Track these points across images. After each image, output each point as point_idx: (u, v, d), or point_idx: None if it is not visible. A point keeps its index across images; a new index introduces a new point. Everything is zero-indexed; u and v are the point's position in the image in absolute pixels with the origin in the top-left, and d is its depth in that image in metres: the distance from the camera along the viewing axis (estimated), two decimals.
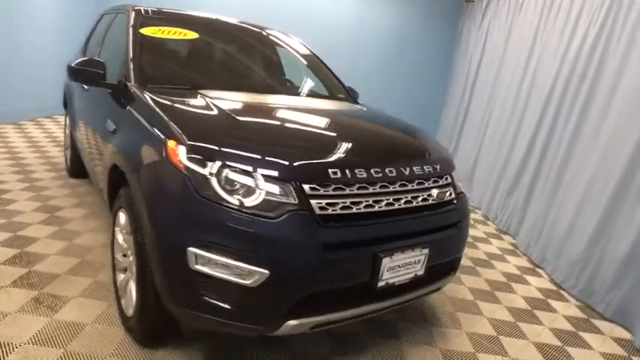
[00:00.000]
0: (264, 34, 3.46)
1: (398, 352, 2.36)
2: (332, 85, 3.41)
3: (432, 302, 2.94)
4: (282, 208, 1.69)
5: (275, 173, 1.73)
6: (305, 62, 3.49)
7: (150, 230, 1.78)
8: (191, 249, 1.66)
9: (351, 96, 3.40)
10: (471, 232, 4.45)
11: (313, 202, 1.73)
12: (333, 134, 2.29)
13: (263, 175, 1.72)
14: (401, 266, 1.92)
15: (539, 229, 3.95)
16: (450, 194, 2.23)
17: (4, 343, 2.01)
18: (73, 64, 2.47)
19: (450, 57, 7.92)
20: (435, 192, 2.11)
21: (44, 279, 2.55)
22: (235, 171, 1.72)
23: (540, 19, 4.74)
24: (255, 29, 3.43)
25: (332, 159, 1.88)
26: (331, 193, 1.78)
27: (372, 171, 1.90)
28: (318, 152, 1.93)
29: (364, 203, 1.84)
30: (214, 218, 1.67)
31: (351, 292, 1.88)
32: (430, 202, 2.09)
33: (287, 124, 2.32)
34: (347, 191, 1.81)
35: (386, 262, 1.85)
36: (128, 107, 2.30)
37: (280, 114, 2.47)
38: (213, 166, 1.72)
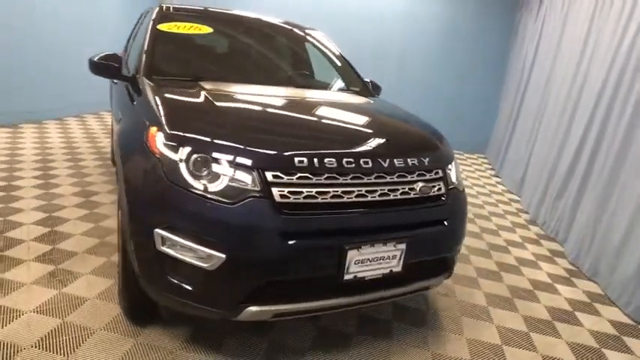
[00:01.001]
0: (281, 26, 3.50)
1: (384, 352, 2.27)
2: (346, 78, 3.36)
3: (436, 305, 2.80)
4: (242, 195, 1.70)
5: (238, 160, 1.74)
6: (321, 55, 3.47)
7: (125, 211, 1.88)
8: (158, 230, 1.73)
9: (367, 89, 3.32)
10: (507, 235, 4.19)
11: (275, 189, 1.72)
12: (315, 125, 2.27)
13: (227, 162, 1.74)
14: (372, 260, 1.86)
15: (591, 237, 3.57)
16: (439, 189, 2.11)
17: (12, 310, 2.22)
18: (93, 59, 2.67)
19: (506, 52, 7.47)
20: (418, 186, 2.01)
21: (64, 256, 2.78)
22: (202, 157, 1.76)
23: (595, 8, 4.31)
24: (272, 22, 3.48)
25: (299, 148, 1.85)
26: (295, 181, 1.76)
27: (343, 161, 1.85)
28: (287, 141, 1.92)
29: (331, 193, 1.80)
30: (179, 202, 1.72)
31: (316, 283, 1.85)
32: (412, 196, 1.99)
33: (269, 115, 2.33)
34: (314, 180, 1.78)
35: (352, 254, 1.80)
36: (134, 97, 2.44)
37: (268, 104, 2.48)
38: (183, 152, 1.78)
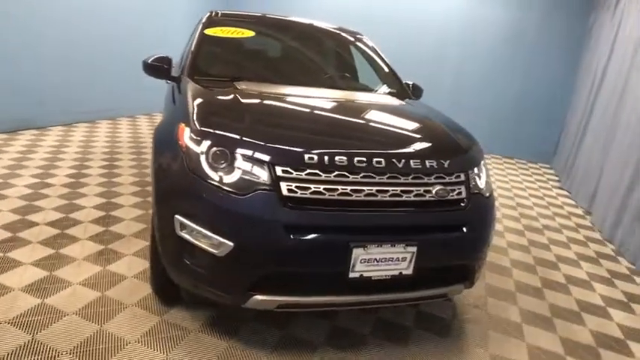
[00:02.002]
0: (322, 29, 3.57)
1: (397, 359, 2.24)
2: (384, 80, 3.35)
3: (464, 315, 2.70)
4: (252, 187, 1.79)
5: (252, 154, 1.83)
6: (362, 57, 3.50)
7: (153, 197, 2.05)
8: (177, 216, 1.87)
9: (406, 91, 3.29)
10: (560, 251, 3.91)
11: (283, 183, 1.78)
12: (335, 124, 2.30)
13: (242, 155, 1.84)
14: (379, 260, 1.85)
15: None
16: (459, 193, 2.05)
17: (63, 281, 2.50)
18: (146, 60, 2.91)
19: (576, 56, 6.94)
20: (435, 189, 1.97)
21: (113, 237, 3.06)
22: (221, 150, 1.88)
23: None
24: (314, 25, 3.56)
25: (311, 145, 1.90)
26: (304, 177, 1.81)
27: (354, 160, 1.87)
28: (300, 138, 1.98)
29: (340, 191, 1.83)
30: (197, 191, 1.85)
31: (322, 278, 1.88)
32: (427, 198, 1.96)
33: (292, 113, 2.40)
34: (322, 177, 1.82)
35: (358, 252, 1.81)
36: (176, 96, 2.64)
37: (294, 103, 2.53)
38: (204, 145, 1.90)
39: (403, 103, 2.96)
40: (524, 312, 2.85)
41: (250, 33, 3.19)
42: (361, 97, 3.01)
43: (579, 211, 5.20)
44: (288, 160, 1.82)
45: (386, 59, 3.56)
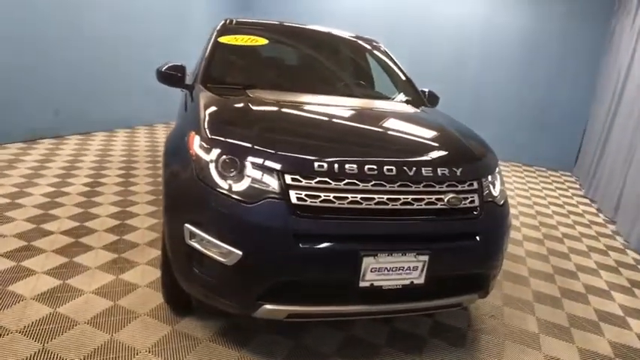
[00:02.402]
0: (338, 36, 3.57)
1: None
2: (399, 88, 3.33)
3: (480, 325, 2.64)
4: (261, 195, 1.78)
5: (261, 162, 1.82)
6: (377, 64, 3.48)
7: (163, 206, 2.06)
8: (187, 225, 1.87)
9: (421, 99, 3.26)
10: (579, 260, 3.81)
11: (292, 192, 1.77)
12: (346, 131, 2.28)
13: (251, 163, 1.83)
14: (390, 270, 1.82)
15: None
16: (472, 202, 2.01)
17: (75, 289, 2.52)
18: (160, 69, 2.95)
19: (597, 62, 6.82)
20: (447, 197, 1.93)
21: (127, 246, 3.08)
22: (230, 159, 1.87)
23: None
24: (328, 33, 3.56)
25: (321, 153, 1.88)
26: (314, 185, 1.79)
27: (365, 168, 1.85)
28: (310, 146, 1.97)
29: (350, 199, 1.81)
30: (206, 200, 1.85)
31: (332, 288, 1.86)
32: (438, 207, 1.92)
33: (302, 120, 2.39)
34: (332, 185, 1.81)
35: (368, 261, 1.78)
36: (188, 103, 2.66)
37: (306, 111, 2.53)
38: (213, 154, 1.90)
39: (418, 110, 2.92)
40: (542, 322, 2.77)
41: (264, 41, 3.21)
42: (375, 104, 2.98)
43: (600, 220, 5.07)
44: (298, 168, 1.81)
45: (402, 67, 3.54)
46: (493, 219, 2.07)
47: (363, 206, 1.82)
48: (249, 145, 1.89)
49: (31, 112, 5.33)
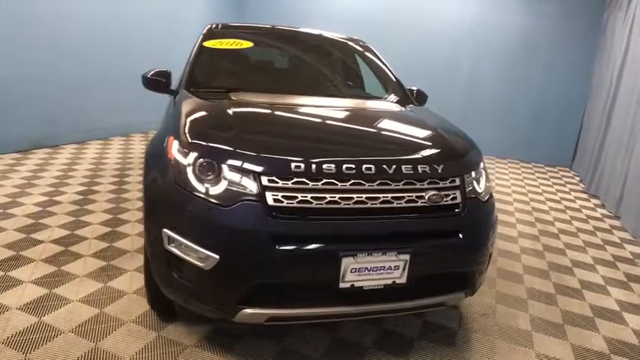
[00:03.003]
0: (322, 37, 3.56)
1: None
2: (385, 86, 3.31)
3: (471, 324, 2.60)
4: (237, 198, 1.76)
5: (237, 164, 1.81)
6: (363, 63, 3.47)
7: (144, 211, 2.04)
8: (165, 230, 1.85)
9: (408, 97, 3.23)
10: (575, 256, 3.77)
11: (269, 193, 1.75)
12: (323, 131, 2.27)
13: (227, 166, 1.82)
14: (370, 270, 1.80)
15: None
16: (455, 198, 1.98)
17: (62, 298, 2.50)
18: (145, 75, 2.94)
19: (592, 57, 6.78)
20: (428, 194, 1.91)
21: (116, 253, 3.07)
22: (207, 162, 1.86)
23: None
24: (313, 33, 3.55)
25: (298, 153, 1.86)
26: (290, 186, 1.77)
27: (343, 167, 1.83)
28: (287, 146, 1.95)
29: (328, 199, 1.79)
30: (183, 204, 1.83)
31: (312, 290, 1.84)
32: (419, 204, 1.90)
33: (281, 121, 2.37)
34: (310, 186, 1.79)
35: (348, 262, 1.76)
36: (170, 108, 2.65)
37: (285, 112, 2.51)
38: (190, 157, 1.89)
39: (403, 109, 2.90)
40: (535, 319, 2.73)
41: (249, 44, 3.20)
42: (359, 104, 2.96)
43: (598, 214, 5.02)
44: (274, 169, 1.79)
45: (389, 66, 3.52)
46: (476, 215, 2.04)
47: (342, 206, 1.80)
48: (225, 147, 1.87)
49: (25, 122, 5.34)
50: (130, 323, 2.34)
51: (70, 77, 5.79)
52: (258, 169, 1.79)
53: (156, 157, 2.14)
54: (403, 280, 1.85)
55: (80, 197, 4.07)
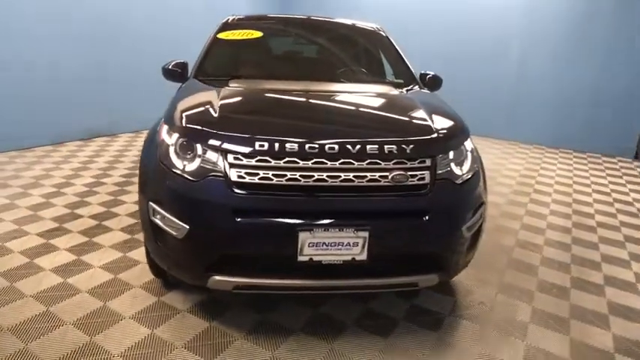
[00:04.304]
0: (336, 23, 3.62)
1: (373, 349, 2.20)
2: (393, 71, 3.30)
3: (462, 312, 2.56)
4: (206, 173, 1.91)
5: (208, 142, 1.96)
6: (373, 48, 3.49)
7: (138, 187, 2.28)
8: (150, 203, 2.07)
9: (414, 81, 3.19)
10: (609, 250, 3.50)
11: (233, 170, 1.88)
12: (300, 114, 2.36)
13: (201, 145, 1.98)
14: (328, 245, 1.87)
15: None
16: (422, 179, 1.97)
17: (86, 264, 2.85)
18: (165, 66, 3.19)
19: None
20: (391, 174, 1.93)
21: (140, 228, 3.38)
22: (186, 141, 2.03)
23: None
24: (327, 20, 3.62)
25: (264, 132, 1.96)
26: (254, 163, 1.89)
27: (306, 147, 1.91)
28: (257, 126, 2.06)
29: (288, 176, 1.88)
30: (163, 179, 2.03)
31: (275, 261, 1.95)
32: (381, 184, 1.92)
33: (263, 104, 2.49)
34: (272, 163, 1.89)
35: (305, 236, 1.84)
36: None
37: (273, 96, 2.61)
38: (173, 138, 2.08)
39: (398, 92, 2.86)
40: (537, 312, 2.61)
41: (259, 34, 3.35)
42: (350, 88, 2.94)
43: None
44: (239, 147, 1.91)
45: (399, 49, 3.49)
46: (446, 198, 2.01)
47: (301, 183, 1.88)
48: (200, 127, 2.03)
49: (87, 113, 5.97)
50: (137, 288, 2.61)
51: (126, 71, 6.34)
52: (226, 147, 1.92)
53: (150, 140, 2.35)
54: (363, 257, 1.90)
55: (123, 180, 4.51)
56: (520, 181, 5.23)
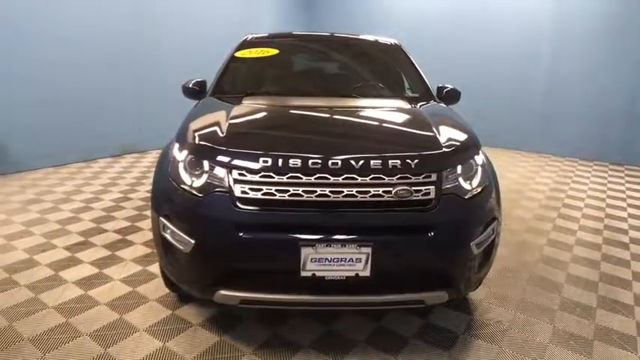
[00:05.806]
0: (353, 39, 3.67)
1: None
2: (409, 85, 3.29)
3: (477, 331, 2.47)
4: (211, 189, 1.96)
5: (215, 159, 2.01)
6: (391, 63, 3.50)
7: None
8: (161, 218, 2.13)
9: (429, 95, 3.16)
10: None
11: (237, 185, 1.92)
12: (308, 129, 2.38)
13: (208, 161, 2.03)
14: (331, 260, 1.86)
15: None
16: (427, 194, 1.95)
17: (107, 277, 2.95)
18: (185, 85, 3.31)
19: None
20: (395, 190, 1.91)
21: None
22: (194, 158, 2.10)
23: None
24: (343, 37, 3.67)
25: (269, 149, 1.99)
26: (258, 179, 1.92)
27: (309, 162, 1.92)
28: (262, 143, 2.09)
29: (291, 191, 1.89)
30: (172, 195, 2.09)
31: (279, 277, 1.96)
32: (385, 199, 1.91)
33: (271, 121, 2.52)
34: (275, 179, 1.91)
35: (307, 251, 1.85)
36: None
37: (283, 112, 2.64)
38: (182, 155, 2.15)
39: (411, 107, 2.81)
40: (559, 332, 2.49)
41: (275, 51, 3.42)
42: (363, 103, 2.93)
43: None
44: (244, 163, 1.95)
45: (415, 64, 3.48)
46: (452, 213, 1.96)
47: (304, 199, 1.89)
48: (207, 144, 2.09)
49: (118, 131, 6.23)
50: (153, 301, 2.67)
51: (154, 90, 6.60)
52: (231, 163, 1.97)
53: (163, 158, 2.44)
54: (367, 273, 1.88)
55: (149, 195, 4.62)
56: (549, 195, 5.05)
